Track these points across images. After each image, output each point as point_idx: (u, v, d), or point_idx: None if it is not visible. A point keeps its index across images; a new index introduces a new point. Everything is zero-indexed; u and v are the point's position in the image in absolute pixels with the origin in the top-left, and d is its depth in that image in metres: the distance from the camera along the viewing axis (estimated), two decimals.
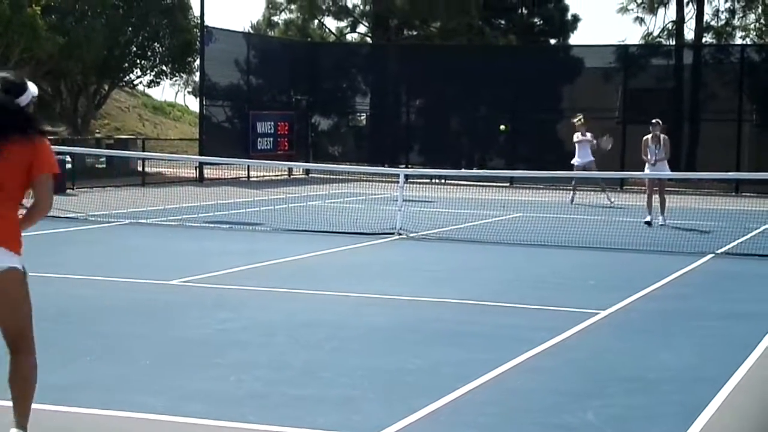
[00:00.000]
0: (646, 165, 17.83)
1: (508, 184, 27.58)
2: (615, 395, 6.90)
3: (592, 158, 21.97)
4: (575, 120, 22.49)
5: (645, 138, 17.93)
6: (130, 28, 31.07)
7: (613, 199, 22.46)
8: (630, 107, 29.88)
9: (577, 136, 22.21)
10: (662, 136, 17.90)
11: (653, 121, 18.15)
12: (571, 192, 22.52)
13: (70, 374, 7.10)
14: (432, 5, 36.25)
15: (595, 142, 22.13)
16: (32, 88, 5.25)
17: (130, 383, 6.91)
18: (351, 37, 40.99)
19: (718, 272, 13.04)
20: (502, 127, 28.17)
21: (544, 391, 6.94)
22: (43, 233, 15.59)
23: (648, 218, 17.59)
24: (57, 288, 10.62)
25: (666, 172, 18.07)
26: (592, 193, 23.53)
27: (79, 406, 6.31)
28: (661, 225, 17.35)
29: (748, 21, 38.86)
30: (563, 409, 6.49)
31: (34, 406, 5.26)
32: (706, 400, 6.73)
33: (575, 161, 22.14)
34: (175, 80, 48.63)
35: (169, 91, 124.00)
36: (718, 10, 38.37)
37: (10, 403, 5.15)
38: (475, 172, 27.47)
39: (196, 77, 35.17)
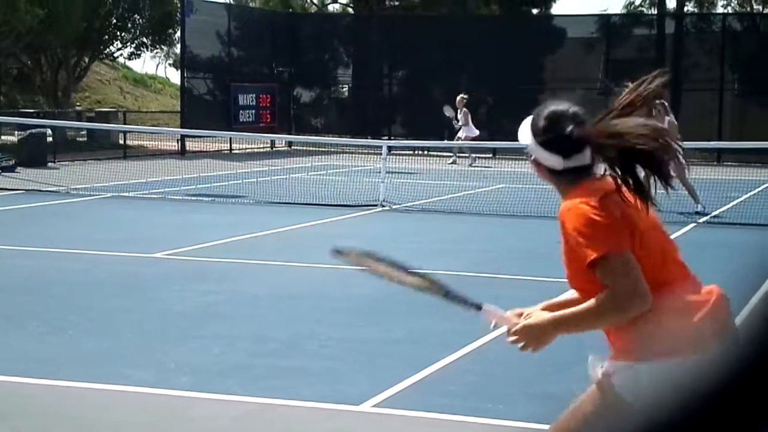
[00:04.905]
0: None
1: (491, 156, 27.57)
2: None
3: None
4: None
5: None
6: (109, 0, 30.84)
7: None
8: (612, 78, 29.87)
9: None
10: (668, 118, 15.08)
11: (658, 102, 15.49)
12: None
13: (54, 348, 7.09)
14: None
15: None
16: None
17: (114, 356, 6.90)
18: (333, 7, 40.81)
19: (701, 241, 13.09)
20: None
21: (529, 361, 6.92)
22: (25, 207, 15.53)
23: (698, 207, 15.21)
24: (39, 261, 10.59)
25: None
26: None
27: (63, 379, 6.29)
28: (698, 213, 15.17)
29: None
30: (548, 379, 6.51)
31: (18, 380, 5.24)
32: None
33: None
34: (156, 52, 48.53)
35: (149, 63, 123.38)
36: None
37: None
38: (457, 143, 27.38)
39: (177, 49, 35.02)
